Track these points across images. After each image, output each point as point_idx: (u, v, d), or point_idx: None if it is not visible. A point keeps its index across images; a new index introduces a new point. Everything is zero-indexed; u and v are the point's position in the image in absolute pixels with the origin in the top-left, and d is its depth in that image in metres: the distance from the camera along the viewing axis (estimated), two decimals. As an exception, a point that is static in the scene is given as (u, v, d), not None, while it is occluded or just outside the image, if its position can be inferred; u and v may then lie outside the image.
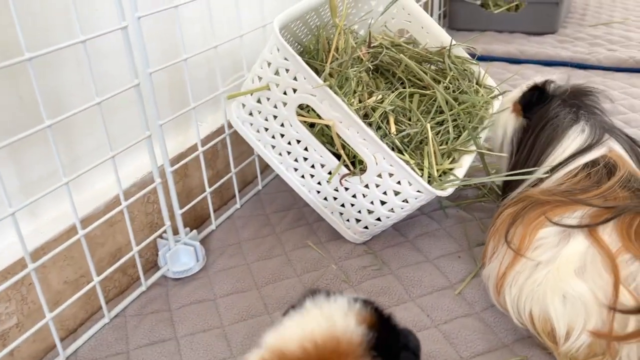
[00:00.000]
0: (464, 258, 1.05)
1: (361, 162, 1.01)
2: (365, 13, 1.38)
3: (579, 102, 1.06)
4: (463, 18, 2.42)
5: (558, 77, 1.14)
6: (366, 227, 1.07)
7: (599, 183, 0.89)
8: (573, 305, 0.76)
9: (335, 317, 0.53)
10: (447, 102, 1.19)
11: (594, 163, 0.93)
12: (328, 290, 0.59)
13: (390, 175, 0.97)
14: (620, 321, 0.73)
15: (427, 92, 1.21)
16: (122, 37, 0.85)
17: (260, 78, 1.00)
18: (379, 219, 1.04)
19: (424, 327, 0.89)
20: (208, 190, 1.12)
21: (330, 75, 1.11)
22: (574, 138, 0.99)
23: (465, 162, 1.08)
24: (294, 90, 0.97)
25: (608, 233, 0.79)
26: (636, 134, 1.45)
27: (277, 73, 0.98)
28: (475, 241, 1.09)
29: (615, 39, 2.17)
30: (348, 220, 1.08)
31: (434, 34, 1.37)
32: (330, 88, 1.00)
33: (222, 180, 1.18)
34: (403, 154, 1.04)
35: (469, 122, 1.19)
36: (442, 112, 1.18)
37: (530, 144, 1.05)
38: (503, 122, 1.17)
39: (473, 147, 1.13)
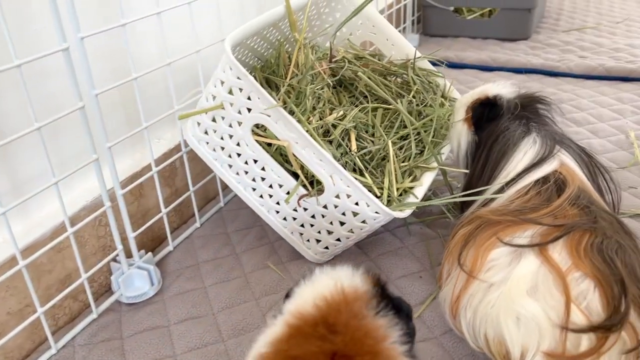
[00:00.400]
0: (425, 278, 1.03)
1: (320, 182, 0.98)
2: (328, 25, 1.35)
3: (529, 113, 1.05)
4: (437, 24, 2.41)
5: (510, 87, 1.10)
6: (327, 248, 1.05)
7: (549, 201, 0.88)
8: (526, 326, 0.74)
9: (341, 277, 0.59)
10: (411, 115, 1.17)
11: (545, 180, 0.92)
12: None
13: (348, 196, 0.94)
14: (573, 340, 0.72)
15: (391, 106, 1.20)
16: (64, 59, 0.81)
17: (214, 97, 0.97)
18: (339, 240, 1.02)
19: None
20: (164, 211, 1.09)
21: (290, 92, 1.09)
22: (526, 151, 0.98)
23: (426, 180, 1.06)
24: (249, 110, 0.94)
25: (558, 251, 0.78)
26: (603, 145, 1.45)
27: (230, 92, 0.95)
28: (438, 260, 1.07)
29: (586, 45, 2.17)
30: (308, 240, 1.05)
31: (399, 45, 1.35)
32: (285, 107, 0.97)
33: (180, 200, 1.15)
34: (364, 173, 1.02)
35: (433, 137, 1.17)
36: (406, 126, 1.16)
37: (484, 159, 1.03)
38: (457, 134, 1.14)
39: (435, 163, 1.12)
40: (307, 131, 1.00)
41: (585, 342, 0.71)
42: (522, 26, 2.26)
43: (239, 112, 0.95)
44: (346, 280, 0.58)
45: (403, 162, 1.12)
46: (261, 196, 1.04)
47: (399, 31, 2.28)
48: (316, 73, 1.13)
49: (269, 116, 0.93)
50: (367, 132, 1.14)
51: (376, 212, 0.94)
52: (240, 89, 0.93)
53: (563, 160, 0.95)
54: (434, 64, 2.08)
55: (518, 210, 0.86)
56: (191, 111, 0.99)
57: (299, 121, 1.00)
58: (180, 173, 1.20)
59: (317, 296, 0.56)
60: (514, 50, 2.17)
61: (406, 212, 0.95)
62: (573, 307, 0.72)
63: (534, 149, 0.97)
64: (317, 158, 0.92)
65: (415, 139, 1.14)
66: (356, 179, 0.96)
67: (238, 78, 0.92)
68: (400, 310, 0.59)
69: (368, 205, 0.94)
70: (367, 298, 0.56)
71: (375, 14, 1.34)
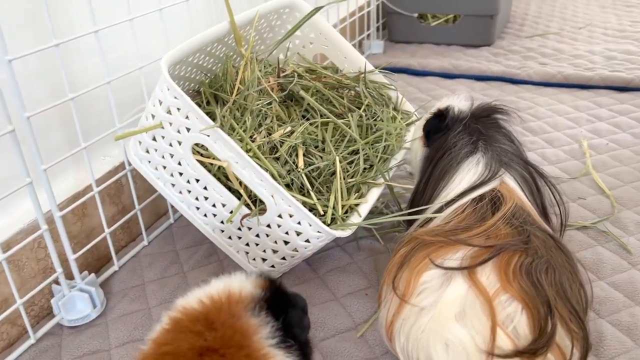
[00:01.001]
0: (371, 295, 1.03)
1: (262, 201, 0.97)
2: (282, 37, 1.34)
3: (481, 126, 1.03)
4: (401, 30, 2.41)
5: (465, 100, 1.09)
6: (273, 266, 1.04)
7: (483, 219, 0.87)
8: (455, 351, 0.74)
9: (233, 281, 0.65)
10: (362, 130, 1.17)
11: (481, 198, 0.91)
12: None
13: (290, 215, 0.94)
14: None
15: (341, 120, 1.19)
16: (-10, 82, 0.79)
17: (153, 116, 0.96)
18: (284, 258, 1.01)
19: (323, 375, 0.87)
20: (107, 231, 1.07)
21: (236, 108, 1.08)
22: (467, 172, 0.96)
23: (372, 197, 1.06)
24: (188, 129, 0.93)
25: (487, 274, 0.77)
26: (557, 155, 1.46)
27: (169, 111, 0.93)
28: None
29: (548, 52, 2.19)
30: (254, 259, 1.04)
31: (351, 59, 1.34)
32: (223, 127, 0.96)
33: (125, 218, 1.13)
34: (310, 190, 1.02)
35: (384, 152, 1.17)
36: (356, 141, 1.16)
37: (428, 175, 1.03)
38: (415, 149, 1.15)
39: (386, 176, 1.12)
40: (249, 150, 0.99)
41: None
42: (485, 32, 2.28)
43: (178, 132, 0.94)
44: (236, 283, 0.65)
45: (352, 177, 1.12)
46: (205, 215, 1.03)
47: (364, 38, 2.30)
48: (264, 89, 1.13)
49: (208, 136, 0.91)
50: (317, 147, 1.13)
51: (318, 232, 0.93)
52: (178, 109, 0.92)
53: (505, 181, 0.94)
54: (395, 70, 2.09)
55: (451, 231, 0.85)
56: (128, 131, 0.97)
57: (241, 140, 0.99)
58: (126, 190, 1.18)
59: (205, 295, 0.62)
60: (476, 57, 2.19)
61: (347, 232, 0.95)
62: (499, 332, 0.72)
63: (476, 170, 0.96)
64: (258, 178, 0.91)
65: (364, 154, 1.14)
66: (298, 198, 0.96)
67: (175, 98, 0.91)
68: (295, 306, 0.68)
69: (310, 225, 0.93)
70: (248, 300, 0.62)
71: (328, 28, 1.34)
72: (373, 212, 1.19)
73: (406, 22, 2.38)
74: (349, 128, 1.17)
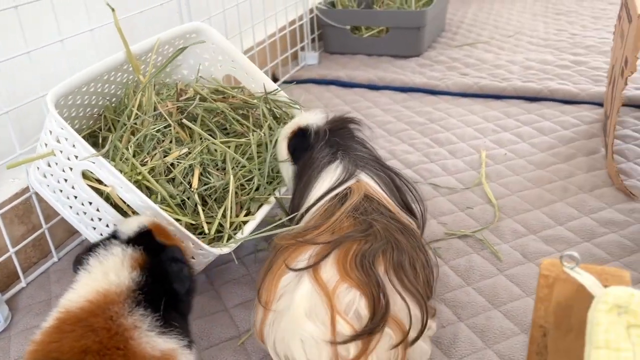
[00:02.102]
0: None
1: (152, 221, 1.05)
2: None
3: (339, 138, 1.09)
4: (335, 42, 2.50)
5: (320, 114, 1.15)
6: (167, 280, 1.12)
7: (331, 216, 0.93)
8: (309, 346, 0.82)
9: (110, 275, 0.74)
10: (260, 146, 1.25)
11: (335, 196, 0.97)
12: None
13: (175, 235, 1.01)
14: (344, 348, 0.81)
15: (242, 140, 1.27)
16: None
17: (46, 144, 1.03)
18: (175, 273, 1.09)
19: (200, 382, 0.95)
20: (11, 250, 1.13)
21: (133, 133, 1.16)
22: (327, 176, 1.02)
23: (260, 214, 1.14)
24: (76, 157, 1.00)
25: (328, 269, 0.84)
26: (456, 165, 1.56)
27: (59, 140, 1.00)
28: (276, 286, 1.15)
29: (471, 62, 2.30)
30: (150, 274, 1.12)
31: (258, 80, 1.42)
32: (117, 152, 1.04)
33: (32, 237, 1.20)
34: (200, 209, 1.10)
35: (273, 171, 1.25)
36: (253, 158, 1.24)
37: (296, 187, 1.10)
38: (284, 167, 1.19)
39: (276, 193, 1.20)
40: (139, 173, 1.07)
41: (353, 348, 0.81)
42: (413, 44, 2.38)
43: (68, 159, 1.01)
44: (113, 277, 0.73)
45: (249, 194, 1.20)
46: (101, 235, 1.10)
47: (299, 49, 2.38)
48: (165, 112, 1.20)
49: (93, 163, 0.99)
50: (217, 167, 1.21)
51: (200, 250, 1.01)
52: (66, 138, 0.99)
53: (360, 178, 1.00)
54: (326, 82, 2.18)
55: (304, 231, 0.91)
56: (20, 160, 1.04)
57: (131, 164, 1.06)
58: (36, 210, 1.24)
59: (84, 296, 0.71)
60: (403, 68, 2.29)
61: (226, 249, 1.03)
62: (339, 320, 0.80)
63: (335, 174, 1.02)
64: (139, 201, 0.99)
65: (260, 172, 1.23)
66: (180, 218, 1.04)
67: (61, 128, 0.98)
68: (174, 271, 0.78)
69: (193, 244, 1.01)
70: (124, 297, 0.72)
71: (233, 50, 1.41)
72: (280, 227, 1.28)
73: (340, 34, 2.47)
74: (249, 147, 1.26)
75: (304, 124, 1.13)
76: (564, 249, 1.21)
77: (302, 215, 1.02)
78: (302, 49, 2.43)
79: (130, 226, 0.84)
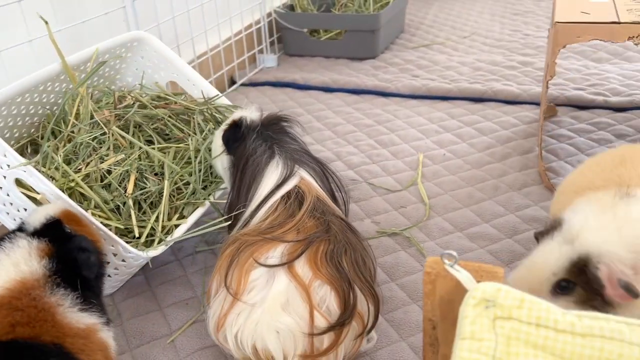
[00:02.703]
0: (192, 305, 1.16)
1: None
2: (136, 68, 1.46)
3: (272, 132, 1.19)
4: (294, 45, 2.55)
5: (255, 111, 1.23)
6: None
7: (292, 215, 1.02)
8: (284, 337, 0.90)
9: (19, 263, 0.79)
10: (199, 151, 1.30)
11: (288, 195, 1.06)
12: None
13: (105, 239, 1.06)
14: (319, 339, 0.90)
15: (181, 145, 1.32)
16: None
17: (-19, 154, 1.07)
18: (109, 275, 1.14)
19: (128, 378, 1.00)
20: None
21: (70, 141, 1.20)
22: (271, 174, 1.11)
23: (192, 217, 1.19)
24: (8, 166, 1.04)
25: (301, 266, 0.93)
26: (396, 166, 1.62)
27: (-9, 150, 1.05)
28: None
29: (424, 64, 2.36)
30: (86, 276, 1.17)
31: (199, 86, 1.47)
32: (54, 160, 1.08)
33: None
34: (132, 214, 1.15)
35: (212, 175, 1.31)
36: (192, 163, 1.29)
37: (239, 182, 1.16)
38: (218, 159, 1.25)
39: (211, 197, 1.25)
40: (72, 180, 1.12)
41: (327, 339, 0.91)
42: (368, 46, 2.44)
43: (1, 167, 1.05)
44: (25, 267, 0.79)
45: (186, 198, 1.25)
46: (38, 239, 1.14)
47: (257, 52, 2.42)
48: (102, 120, 1.25)
49: (24, 171, 1.03)
50: (152, 171, 1.26)
51: (130, 253, 1.06)
52: (-3, 148, 1.03)
53: (302, 175, 1.11)
54: (283, 84, 2.23)
55: (269, 229, 1.00)
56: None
57: (64, 171, 1.11)
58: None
59: (1, 285, 0.77)
60: (358, 70, 2.34)
61: (152, 252, 1.08)
62: (316, 314, 0.90)
63: (277, 171, 1.11)
64: (69, 207, 1.03)
65: (195, 177, 1.28)
66: (110, 223, 1.09)
67: (-9, 139, 1.02)
68: (82, 260, 0.84)
69: (122, 247, 1.06)
70: (43, 282, 0.78)
71: (175, 58, 1.46)
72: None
73: (298, 36, 2.52)
74: (192, 151, 1.31)
75: (237, 117, 1.20)
76: (486, 245, 1.28)
77: (252, 213, 1.08)
78: (261, 51, 2.47)
79: (37, 217, 0.88)
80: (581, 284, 0.82)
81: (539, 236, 0.89)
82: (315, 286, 0.92)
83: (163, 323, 1.12)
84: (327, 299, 0.91)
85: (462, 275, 0.76)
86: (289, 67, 2.45)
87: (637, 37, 1.23)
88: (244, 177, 1.16)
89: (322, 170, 1.16)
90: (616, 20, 1.24)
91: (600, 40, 1.26)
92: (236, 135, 1.18)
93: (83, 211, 1.03)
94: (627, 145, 1.09)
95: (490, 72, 2.20)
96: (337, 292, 0.91)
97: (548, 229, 0.87)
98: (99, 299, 0.88)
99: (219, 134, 1.23)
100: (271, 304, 0.91)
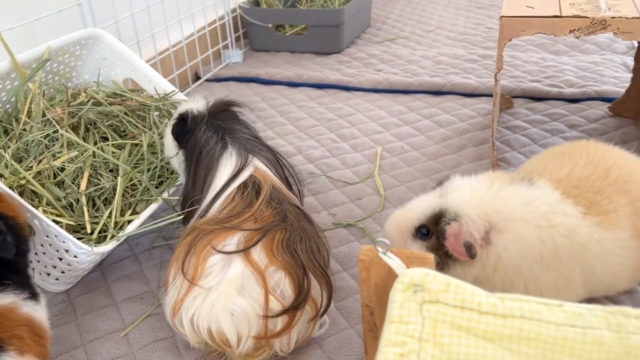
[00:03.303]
0: (146, 299, 1.18)
1: (37, 223, 1.10)
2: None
3: (221, 122, 1.21)
4: (260, 40, 2.56)
5: (200, 101, 1.25)
6: (58, 279, 1.17)
7: (250, 205, 1.05)
8: (239, 319, 0.94)
9: None
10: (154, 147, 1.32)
11: (245, 185, 1.09)
12: None
13: (56, 236, 1.07)
14: (272, 322, 0.95)
15: (135, 141, 1.33)
16: None
17: None
18: (63, 272, 1.15)
19: (80, 372, 1.01)
20: None
21: (18, 139, 1.20)
22: (225, 165, 1.14)
23: (146, 212, 1.20)
24: (-44, 165, 1.05)
25: (258, 252, 0.97)
26: (354, 159, 1.65)
27: (-62, 149, 1.05)
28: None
29: (387, 58, 2.39)
30: (40, 274, 1.17)
31: (156, 83, 1.48)
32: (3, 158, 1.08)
33: None
34: (85, 211, 1.16)
35: (168, 171, 1.32)
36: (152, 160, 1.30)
37: (193, 174, 1.18)
38: (170, 152, 1.27)
39: (164, 194, 1.27)
40: (23, 178, 1.12)
41: (280, 322, 0.95)
42: (332, 41, 2.46)
43: (-51, 167, 1.06)
44: None
45: (139, 195, 1.26)
46: (-9, 237, 1.15)
47: (222, 47, 2.43)
48: (54, 117, 1.25)
49: (-28, 170, 1.04)
50: (110, 169, 1.27)
51: (81, 249, 1.07)
52: (-56, 147, 1.03)
53: (256, 165, 1.13)
54: (247, 79, 2.24)
55: (227, 218, 1.02)
56: None
57: (12, 168, 1.11)
58: None
59: None
60: (322, 65, 2.36)
61: (103, 248, 1.09)
62: (270, 297, 0.94)
63: (232, 162, 1.14)
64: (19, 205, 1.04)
65: (153, 172, 1.29)
66: (61, 220, 1.10)
67: (-62, 138, 1.02)
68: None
69: (72, 244, 1.07)
70: None
71: (131, 55, 1.47)
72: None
73: (264, 31, 2.53)
74: (148, 147, 1.32)
75: (183, 110, 1.22)
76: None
77: (209, 204, 1.10)
78: (226, 47, 2.48)
79: None
80: (436, 234, 0.93)
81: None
82: (270, 271, 0.96)
83: (117, 317, 1.13)
84: (282, 283, 0.95)
85: (394, 262, 0.80)
86: (254, 62, 2.46)
87: (577, 30, 1.27)
88: (198, 169, 1.18)
89: (275, 159, 1.20)
90: (558, 14, 1.28)
91: (544, 33, 1.30)
92: (185, 128, 1.20)
93: (32, 208, 1.04)
94: (573, 142, 1.14)
95: (450, 66, 2.24)
96: (291, 277, 0.96)
97: (438, 183, 0.99)
98: (22, 275, 0.91)
99: (168, 130, 1.25)
100: (227, 287, 0.95)
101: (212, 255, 0.97)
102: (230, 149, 1.16)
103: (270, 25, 2.52)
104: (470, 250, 0.89)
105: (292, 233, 1.01)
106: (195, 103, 1.24)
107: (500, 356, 0.69)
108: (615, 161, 1.00)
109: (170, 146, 1.25)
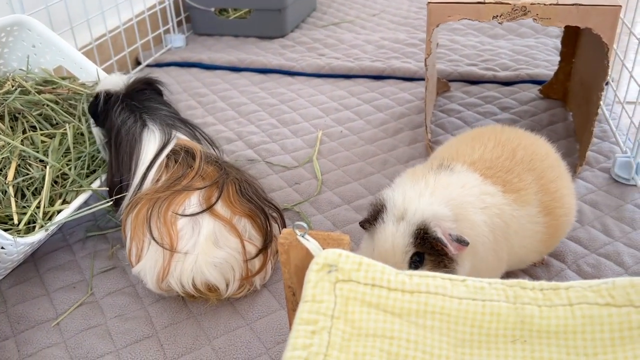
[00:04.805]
0: (79, 288, 1.18)
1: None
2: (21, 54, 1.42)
3: (137, 102, 1.24)
4: (203, 24, 2.54)
5: (117, 78, 1.29)
6: (-13, 270, 1.16)
7: (190, 166, 1.12)
8: (223, 268, 1.06)
9: None
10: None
11: (175, 152, 1.15)
12: None
13: (-19, 227, 1.06)
14: (251, 263, 1.09)
15: (62, 130, 1.31)
16: None
17: None
18: (-8, 264, 1.13)
19: (10, 363, 1.01)
20: None
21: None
22: (149, 142, 1.18)
23: (76, 202, 1.20)
24: None
25: (220, 206, 1.07)
26: (294, 144, 1.67)
27: None
28: (100, 268, 1.22)
29: (331, 43, 2.41)
30: (-32, 266, 1.16)
31: (87, 69, 1.45)
32: None
33: None
34: (12, 201, 1.14)
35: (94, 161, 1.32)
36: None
37: (115, 154, 1.20)
38: (95, 132, 1.29)
39: (96, 184, 1.26)
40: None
41: (257, 262, 1.10)
42: (275, 25, 2.46)
43: None
44: None
45: (69, 185, 1.25)
46: None
47: (163, 32, 2.39)
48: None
49: None
50: (36, 159, 1.25)
51: (6, 240, 1.06)
52: None
53: (179, 137, 1.20)
54: (189, 64, 2.21)
55: (174, 182, 1.08)
56: None
57: None
58: None
59: None
60: (266, 49, 2.36)
61: (29, 238, 1.08)
62: (246, 243, 1.07)
63: (155, 137, 1.19)
64: (-61, 198, 1.02)
65: (83, 162, 1.28)
66: (-14, 211, 1.08)
67: None
68: None
69: (-1, 234, 1.06)
70: None
71: (60, 41, 1.44)
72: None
73: (207, 15, 2.50)
74: (82, 136, 1.31)
75: (99, 89, 1.24)
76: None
77: (140, 180, 1.15)
78: (167, 31, 2.45)
79: None
80: (427, 252, 0.89)
81: (366, 224, 0.94)
82: (235, 220, 1.07)
83: (49, 307, 1.13)
84: (248, 228, 1.09)
85: (311, 244, 0.82)
86: (197, 47, 2.44)
87: (500, 16, 1.32)
88: (120, 148, 1.22)
89: (193, 132, 1.25)
90: (482, 0, 1.33)
91: (469, 19, 1.34)
92: (97, 108, 1.22)
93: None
94: (481, 127, 1.19)
95: (392, 50, 2.28)
96: (254, 221, 1.10)
97: (373, 214, 0.93)
98: None
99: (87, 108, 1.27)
100: (204, 245, 1.04)
101: (179, 220, 1.05)
102: (151, 126, 1.21)
103: (213, 9, 2.49)
104: (461, 240, 0.87)
105: (239, 183, 1.12)
106: (111, 81, 1.26)
107: (406, 330, 0.73)
108: (520, 141, 1.05)
109: (91, 124, 1.25)
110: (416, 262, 0.90)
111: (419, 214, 0.87)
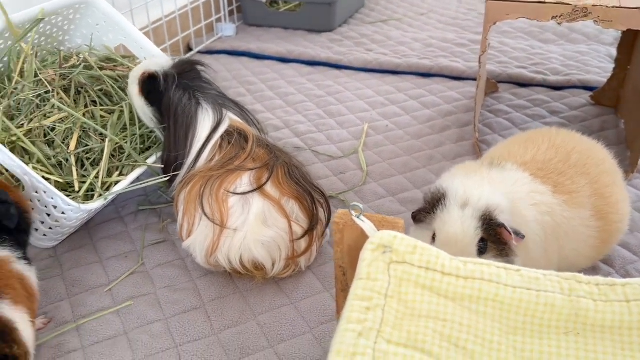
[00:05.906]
0: (131, 257, 1.22)
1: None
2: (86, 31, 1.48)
3: (188, 80, 1.27)
4: (254, 15, 2.58)
5: (166, 60, 1.31)
6: (45, 235, 1.21)
7: (243, 148, 1.17)
8: (270, 247, 1.09)
9: None
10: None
11: (229, 134, 1.19)
12: None
13: (45, 192, 1.10)
14: (297, 243, 1.12)
15: (118, 107, 1.36)
16: None
17: None
18: (51, 228, 1.18)
19: (66, 321, 1.06)
20: None
21: (12, 98, 1.23)
22: (203, 119, 1.22)
23: (132, 175, 1.24)
24: (-51, 119, 1.08)
25: (270, 187, 1.11)
26: (340, 135, 1.69)
27: None
28: (151, 240, 1.26)
29: (378, 39, 2.42)
30: (29, 229, 1.21)
31: (147, 50, 1.50)
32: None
33: None
34: (74, 169, 1.19)
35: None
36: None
37: (173, 132, 1.24)
38: (139, 107, 1.30)
39: (151, 159, 1.30)
40: (14, 135, 1.15)
41: (303, 242, 1.13)
42: (325, 19, 2.48)
43: (-59, 121, 1.08)
44: None
45: (125, 159, 1.29)
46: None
47: (215, 20, 2.44)
48: (46, 79, 1.28)
49: (-36, 125, 1.06)
50: (96, 131, 1.29)
51: (69, 205, 1.11)
52: (-63, 101, 1.06)
53: (231, 117, 1.24)
54: (238, 53, 2.25)
55: (227, 162, 1.13)
56: None
57: (5, 126, 1.14)
58: None
59: None
60: (314, 42, 2.39)
61: (90, 205, 1.13)
62: (293, 224, 1.10)
63: (209, 116, 1.22)
64: (8, 160, 1.07)
65: (141, 137, 1.32)
66: (50, 177, 1.13)
67: None
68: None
69: (60, 200, 1.10)
70: None
71: (124, 21, 1.49)
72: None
73: (258, 7, 2.54)
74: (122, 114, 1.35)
75: (152, 70, 1.26)
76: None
77: (195, 157, 1.19)
78: (219, 20, 2.49)
79: None
80: (490, 239, 0.90)
81: (420, 213, 0.96)
82: (283, 202, 1.11)
83: (102, 273, 1.17)
84: (295, 211, 1.12)
85: (366, 225, 0.84)
86: (246, 36, 2.48)
87: (560, 16, 1.31)
88: (177, 126, 1.25)
89: (241, 111, 1.29)
90: (542, 0, 1.32)
91: (527, 18, 1.33)
92: (154, 87, 1.25)
93: (22, 164, 1.07)
94: (535, 129, 1.18)
95: (440, 49, 2.28)
96: (301, 203, 1.13)
97: (431, 202, 0.94)
98: (23, 239, 1.01)
99: (133, 84, 1.28)
100: (254, 223, 1.08)
101: (230, 198, 1.09)
102: (204, 105, 1.25)
103: (264, 0, 2.53)
104: (518, 233, 0.88)
105: (288, 166, 1.16)
106: (160, 60, 1.29)
107: (459, 313, 0.74)
108: (575, 146, 1.05)
109: (136, 97, 1.28)
110: (481, 248, 0.90)
111: (484, 201, 0.89)
